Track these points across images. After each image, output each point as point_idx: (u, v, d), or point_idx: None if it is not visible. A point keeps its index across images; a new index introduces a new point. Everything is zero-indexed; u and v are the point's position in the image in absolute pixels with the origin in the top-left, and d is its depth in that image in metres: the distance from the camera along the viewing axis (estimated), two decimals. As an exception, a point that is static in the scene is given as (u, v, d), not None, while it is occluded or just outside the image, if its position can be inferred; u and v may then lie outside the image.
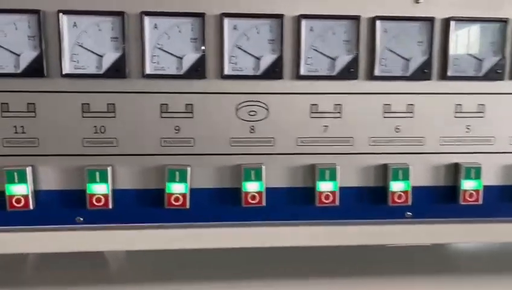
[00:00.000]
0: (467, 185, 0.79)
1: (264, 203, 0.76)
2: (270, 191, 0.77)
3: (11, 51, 0.71)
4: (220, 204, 0.78)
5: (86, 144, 0.74)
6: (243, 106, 0.76)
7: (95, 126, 0.74)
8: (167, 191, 0.75)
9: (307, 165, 0.78)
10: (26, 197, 0.73)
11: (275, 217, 0.78)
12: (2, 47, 0.70)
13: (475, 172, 0.78)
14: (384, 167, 0.79)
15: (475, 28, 0.77)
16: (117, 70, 0.72)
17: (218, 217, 0.78)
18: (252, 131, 0.76)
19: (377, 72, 0.75)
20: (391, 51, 0.76)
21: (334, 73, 0.75)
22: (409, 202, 0.78)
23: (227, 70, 0.74)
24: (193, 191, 0.76)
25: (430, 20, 0.75)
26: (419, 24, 0.75)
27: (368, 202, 0.80)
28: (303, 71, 0.75)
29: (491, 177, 0.80)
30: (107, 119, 0.74)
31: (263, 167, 0.76)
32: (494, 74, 0.77)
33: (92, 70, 0.72)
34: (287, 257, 0.91)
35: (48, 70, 0.71)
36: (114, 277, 0.90)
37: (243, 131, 0.76)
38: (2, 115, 0.72)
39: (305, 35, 0.74)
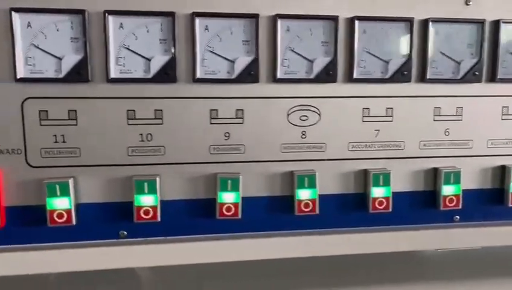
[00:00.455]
0: (516, 187, 0.79)
1: (317, 211, 0.74)
2: (322, 198, 0.74)
3: (52, 54, 0.66)
4: (271, 213, 0.74)
5: (131, 153, 0.70)
6: (295, 111, 0.73)
7: (141, 134, 0.70)
8: (219, 200, 0.71)
9: (359, 170, 0.76)
10: (68, 211, 0.68)
11: (328, 225, 0.76)
12: (43, 50, 0.65)
13: (523, 174, 0.78)
14: (435, 170, 0.78)
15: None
16: (166, 74, 0.68)
17: (270, 226, 0.74)
18: (304, 136, 0.74)
19: (429, 75, 0.74)
20: (443, 54, 0.75)
21: (387, 76, 0.74)
22: (460, 206, 0.78)
23: (279, 74, 0.71)
24: (244, 200, 0.72)
25: (481, 22, 0.74)
26: (470, 27, 0.75)
27: (419, 206, 0.78)
28: (356, 74, 0.73)
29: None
30: (154, 126, 0.70)
31: (317, 174, 0.73)
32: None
33: (139, 74, 0.68)
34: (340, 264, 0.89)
35: (92, 75, 0.67)
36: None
37: (295, 136, 0.73)
38: (40, 123, 0.67)
39: (358, 38, 0.72)
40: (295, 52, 0.71)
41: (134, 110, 0.69)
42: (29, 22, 0.65)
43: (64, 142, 0.68)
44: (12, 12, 0.63)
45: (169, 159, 0.71)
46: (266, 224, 0.74)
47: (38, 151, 0.68)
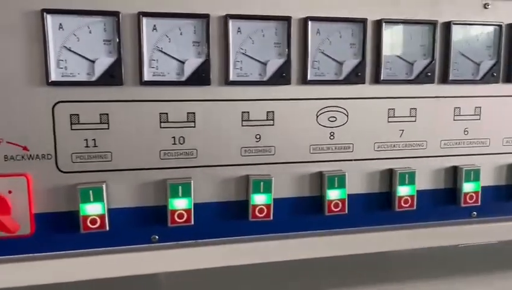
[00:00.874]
0: (530, 183, 0.82)
1: (346, 211, 0.75)
2: (349, 197, 0.75)
3: (84, 57, 0.64)
4: (301, 213, 0.75)
5: (163, 156, 0.69)
6: (324, 112, 0.74)
7: (174, 137, 0.69)
8: (252, 202, 0.71)
9: (385, 170, 0.77)
10: (102, 217, 0.66)
11: (356, 224, 0.77)
12: (75, 52, 0.64)
13: (537, 171, 0.82)
14: (455, 169, 0.80)
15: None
16: (199, 76, 0.68)
17: (300, 227, 0.75)
18: (332, 137, 0.75)
19: (451, 76, 0.76)
20: (463, 55, 0.77)
21: (412, 77, 0.75)
22: (479, 203, 0.80)
23: (310, 76, 0.71)
24: (274, 201, 0.73)
25: (499, 25, 0.77)
26: (488, 30, 0.77)
27: (440, 203, 0.81)
28: (383, 76, 0.74)
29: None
30: (186, 129, 0.69)
31: (346, 175, 0.74)
32: None
33: (172, 77, 0.67)
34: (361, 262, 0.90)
35: (125, 78, 0.66)
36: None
37: (323, 137, 0.74)
38: (71, 127, 0.66)
39: (386, 41, 0.73)
40: (325, 54, 0.72)
41: (167, 113, 0.68)
42: (61, 24, 0.63)
43: (95, 146, 0.67)
44: (45, 14, 0.62)
45: (201, 161, 0.70)
46: (296, 225, 0.75)
47: (69, 156, 0.66)
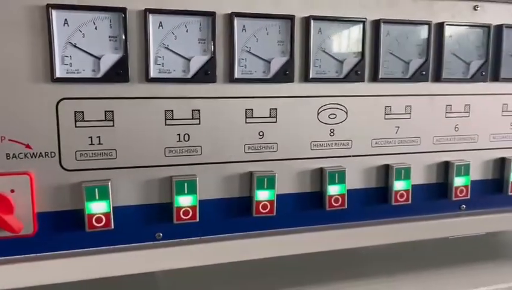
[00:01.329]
0: (514, 177, 0.86)
1: (346, 206, 0.77)
2: (349, 193, 0.77)
3: (90, 54, 0.63)
4: (302, 209, 0.77)
5: (168, 153, 0.69)
6: (325, 109, 0.75)
7: (179, 134, 0.69)
8: (256, 198, 0.72)
9: (381, 165, 0.80)
10: (107, 215, 0.66)
11: (355, 219, 0.79)
12: (80, 49, 0.63)
13: (520, 165, 0.86)
14: (446, 164, 0.84)
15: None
16: (205, 74, 0.68)
17: (301, 222, 0.77)
18: (332, 134, 0.76)
19: (444, 75, 0.80)
20: (455, 55, 0.80)
21: (407, 76, 0.78)
22: (468, 196, 0.84)
23: (312, 74, 0.73)
24: (277, 197, 0.74)
25: (487, 27, 0.81)
26: (477, 31, 0.81)
27: (432, 197, 0.84)
28: (381, 74, 0.76)
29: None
30: (191, 126, 0.69)
31: (346, 170, 0.76)
32: None
33: (178, 74, 0.67)
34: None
35: (131, 75, 0.65)
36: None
37: (324, 134, 0.76)
38: (76, 124, 0.65)
39: (383, 40, 0.75)
40: (326, 52, 0.73)
41: (172, 111, 0.68)
42: (66, 19, 0.62)
43: (100, 143, 0.66)
44: (50, 9, 0.60)
45: (205, 158, 0.71)
46: (298, 220, 0.77)
47: (73, 153, 0.65)
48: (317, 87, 0.74)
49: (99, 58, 0.64)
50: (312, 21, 0.71)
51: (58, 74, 0.62)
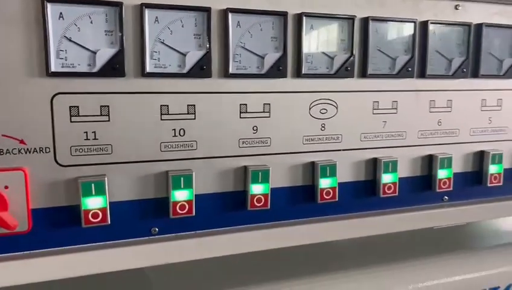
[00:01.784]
0: (493, 169, 0.90)
1: (337, 198, 0.79)
2: (340, 186, 0.79)
3: (86, 48, 0.63)
4: (295, 202, 0.78)
5: (164, 148, 0.69)
6: (316, 104, 0.77)
7: (174, 129, 0.69)
8: (251, 192, 0.73)
9: (370, 159, 0.82)
10: (104, 210, 0.65)
11: (345, 211, 0.81)
12: (76, 43, 0.62)
13: (498, 158, 0.90)
14: (430, 157, 0.87)
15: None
16: (201, 69, 0.68)
17: (295, 214, 0.78)
18: (323, 128, 0.78)
19: (428, 72, 0.83)
20: (438, 52, 0.84)
21: (395, 72, 0.81)
22: (451, 188, 0.88)
23: (304, 70, 0.74)
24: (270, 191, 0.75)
25: (468, 25, 0.85)
26: (458, 29, 0.85)
27: (417, 189, 0.87)
28: (370, 70, 0.79)
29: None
30: (186, 121, 0.70)
31: (337, 164, 0.78)
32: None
33: (173, 69, 0.68)
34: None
35: (127, 69, 0.65)
36: None
37: (315, 129, 0.78)
38: (71, 119, 0.64)
39: (372, 37, 0.78)
40: (317, 49, 0.75)
41: (167, 106, 0.68)
42: (61, 13, 0.61)
43: (95, 139, 0.66)
44: (45, 2, 0.60)
45: (201, 153, 0.71)
46: (291, 213, 0.78)
47: (68, 149, 0.65)
48: (309, 82, 0.76)
49: (95, 53, 0.63)
50: (304, 18, 0.73)
51: (53, 68, 0.62)
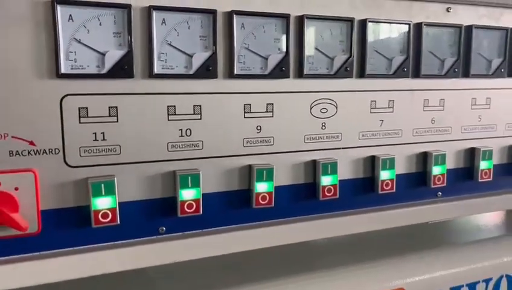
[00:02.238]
0: (483, 165, 0.94)
1: (338, 196, 0.81)
2: (340, 183, 0.82)
3: (95, 50, 0.63)
4: (297, 199, 0.80)
5: (171, 148, 0.70)
6: (317, 104, 0.79)
7: (181, 129, 0.70)
8: (256, 191, 0.75)
9: (368, 157, 0.85)
10: (113, 210, 0.66)
11: (346, 207, 0.84)
12: (85, 45, 0.63)
13: (488, 154, 0.94)
14: (425, 154, 0.90)
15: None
16: (207, 70, 0.70)
17: (297, 212, 0.80)
18: (323, 127, 0.80)
19: (422, 72, 0.86)
20: (431, 53, 0.87)
21: (391, 72, 0.83)
22: (445, 183, 0.91)
23: (306, 70, 0.77)
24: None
25: (459, 27, 0.88)
26: (450, 31, 0.88)
27: (413, 186, 0.90)
28: (368, 70, 0.81)
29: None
30: (193, 121, 0.71)
31: (338, 161, 0.80)
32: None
33: (180, 70, 0.69)
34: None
35: (135, 71, 0.66)
36: None
37: (316, 128, 0.80)
38: (80, 120, 0.65)
39: (370, 38, 0.80)
40: (318, 50, 0.77)
41: (174, 106, 0.69)
42: (70, 15, 0.62)
43: (104, 139, 0.66)
44: (55, 4, 0.60)
45: (207, 153, 0.72)
46: (294, 210, 0.80)
47: (77, 150, 0.65)
48: (310, 83, 0.78)
49: (103, 54, 0.64)
50: (306, 20, 0.75)
51: (63, 69, 0.62)
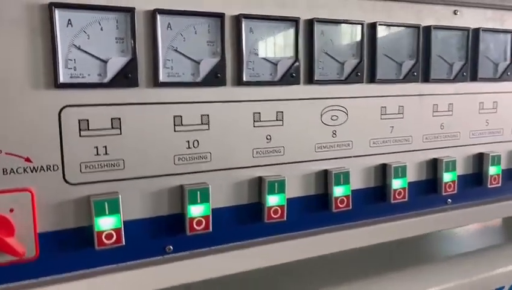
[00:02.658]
0: (492, 170, 0.92)
1: (350, 206, 0.77)
2: (352, 193, 0.78)
3: (96, 57, 0.59)
4: (309, 212, 0.76)
5: (178, 161, 0.66)
6: (327, 111, 0.76)
7: (188, 141, 0.66)
8: (267, 204, 0.70)
9: (379, 165, 0.82)
10: (118, 230, 0.61)
11: (358, 218, 0.80)
12: (85, 52, 0.58)
13: (497, 159, 0.92)
14: (435, 161, 0.87)
15: (493, 37, 0.91)
16: (215, 77, 0.65)
17: (309, 225, 0.76)
18: (334, 135, 0.77)
19: (432, 76, 0.83)
20: (440, 57, 0.84)
21: (401, 77, 0.81)
22: (455, 190, 0.88)
23: (316, 76, 0.73)
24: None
25: (467, 30, 0.86)
26: (457, 34, 0.86)
27: (423, 193, 0.87)
28: (378, 75, 0.78)
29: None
30: (200, 132, 0.66)
31: (350, 171, 0.77)
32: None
33: (187, 78, 0.64)
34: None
35: (139, 79, 0.61)
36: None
37: (327, 136, 0.76)
38: (80, 134, 0.59)
39: (379, 43, 0.78)
40: (328, 54, 0.74)
41: (181, 116, 0.65)
42: (69, 20, 0.57)
43: (106, 154, 0.61)
44: (53, 8, 0.55)
45: (215, 165, 0.68)
46: (306, 223, 0.76)
47: (78, 166, 0.60)
48: (320, 89, 0.74)
49: (105, 62, 0.59)
50: (316, 23, 0.72)
51: (62, 79, 0.57)
